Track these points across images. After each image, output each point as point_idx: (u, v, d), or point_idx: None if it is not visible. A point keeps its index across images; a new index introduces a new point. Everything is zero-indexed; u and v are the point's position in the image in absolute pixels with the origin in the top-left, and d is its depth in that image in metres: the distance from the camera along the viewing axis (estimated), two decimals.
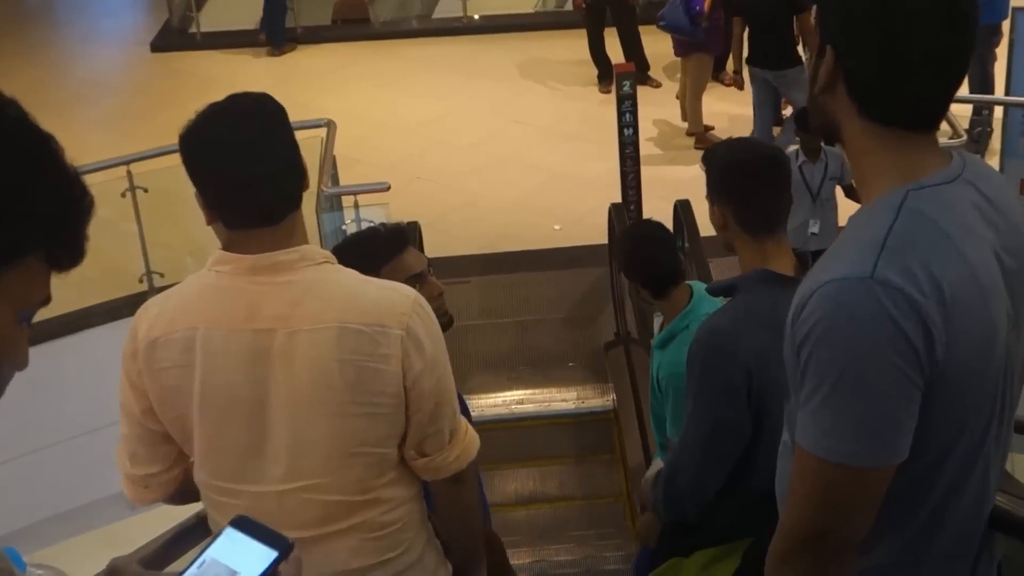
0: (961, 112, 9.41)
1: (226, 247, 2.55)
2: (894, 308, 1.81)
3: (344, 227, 8.65)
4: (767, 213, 3.25)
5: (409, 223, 8.42)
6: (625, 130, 9.35)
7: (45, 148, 1.29)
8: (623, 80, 9.31)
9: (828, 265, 1.92)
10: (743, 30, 9.94)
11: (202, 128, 2.51)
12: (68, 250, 1.33)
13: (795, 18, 9.63)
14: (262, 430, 2.61)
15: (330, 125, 9.03)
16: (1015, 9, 9.22)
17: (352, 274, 2.65)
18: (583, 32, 12.12)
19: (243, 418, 2.60)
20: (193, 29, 13.78)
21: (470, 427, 2.82)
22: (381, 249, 3.49)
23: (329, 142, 8.85)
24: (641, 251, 4.65)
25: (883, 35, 1.87)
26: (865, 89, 1.93)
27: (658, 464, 3.91)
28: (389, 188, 8.41)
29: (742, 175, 3.27)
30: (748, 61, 9.98)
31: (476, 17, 14.07)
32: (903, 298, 1.82)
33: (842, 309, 1.84)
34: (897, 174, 1.93)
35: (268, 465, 2.62)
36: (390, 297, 2.62)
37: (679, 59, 11.06)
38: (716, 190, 3.29)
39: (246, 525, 1.70)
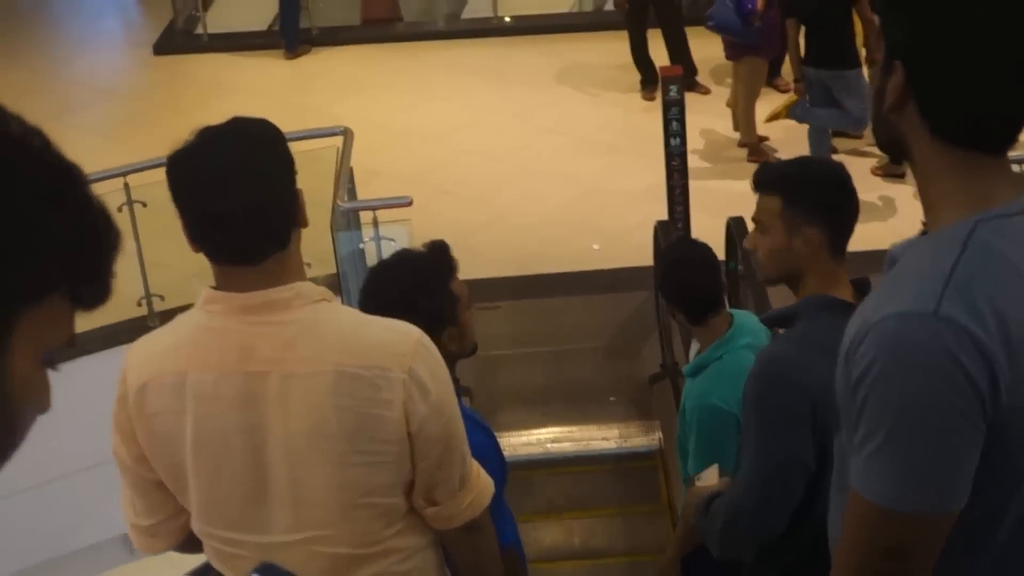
0: None
1: (216, 284, 2.59)
2: (958, 347, 1.80)
3: (362, 246, 8.46)
4: (849, 234, 3.29)
5: (434, 242, 8.26)
6: (672, 140, 9.09)
7: (69, 179, 1.27)
8: (670, 85, 9.05)
9: (888, 298, 1.91)
10: (798, 31, 9.71)
11: (185, 152, 2.52)
12: (93, 287, 1.33)
13: (852, 9, 9.43)
14: (262, 477, 2.60)
15: (347, 133, 8.86)
16: None
17: (351, 313, 2.72)
18: (624, 34, 11.86)
19: (240, 465, 2.60)
20: (199, 30, 13.60)
21: (482, 471, 2.81)
22: (434, 277, 3.51)
23: (345, 152, 8.69)
24: (679, 273, 4.62)
25: (959, 49, 1.84)
26: (938, 108, 1.89)
27: (710, 481, 3.87)
28: (412, 203, 8.23)
29: (842, 194, 3.26)
30: (804, 62, 9.77)
31: (507, 19, 13.87)
32: (968, 337, 1.80)
33: (903, 348, 1.84)
34: (967, 201, 1.90)
35: (272, 514, 2.62)
36: (390, 337, 2.60)
37: (730, 63, 10.80)
38: (810, 211, 3.23)
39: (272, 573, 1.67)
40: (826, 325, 2.98)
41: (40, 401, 1.36)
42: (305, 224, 2.61)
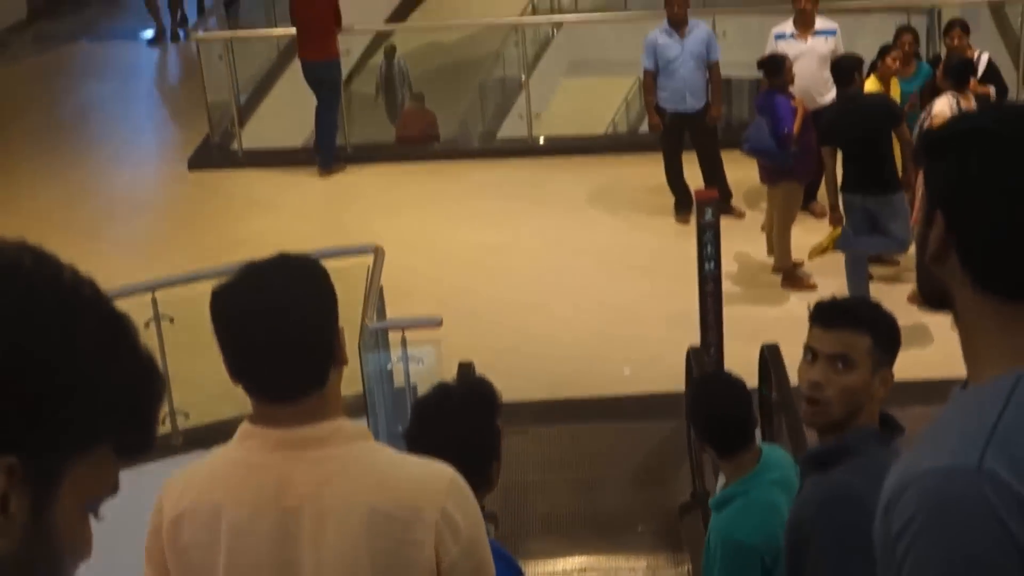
0: None
1: (254, 418, 2.61)
2: (1000, 504, 1.75)
3: (390, 366, 8.36)
4: None
5: (463, 364, 8.13)
6: (706, 264, 8.99)
7: (120, 330, 1.31)
8: (704, 208, 8.98)
9: (928, 451, 1.87)
10: (835, 159, 9.64)
11: (228, 287, 2.57)
12: (139, 437, 1.36)
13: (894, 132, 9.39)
14: None
15: (377, 252, 8.80)
16: None
17: (387, 452, 2.68)
18: (658, 156, 11.86)
19: None
20: (235, 146, 13.67)
21: None
22: (483, 418, 3.53)
23: (376, 270, 8.62)
24: (709, 407, 4.55)
25: (1005, 200, 1.83)
26: (982, 260, 1.87)
27: None
28: (441, 323, 8.15)
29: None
30: (843, 189, 9.69)
31: (542, 140, 13.90)
32: (1011, 495, 1.75)
33: (944, 504, 1.78)
34: (1011, 355, 1.86)
35: None
36: (424, 478, 2.62)
37: (765, 187, 10.74)
38: (893, 353, 3.48)
39: None
40: (883, 457, 3.00)
41: (83, 549, 1.37)
42: (345, 362, 2.63)
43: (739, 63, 12.43)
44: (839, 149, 9.59)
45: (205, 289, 8.63)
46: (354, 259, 8.80)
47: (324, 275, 2.64)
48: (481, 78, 22.01)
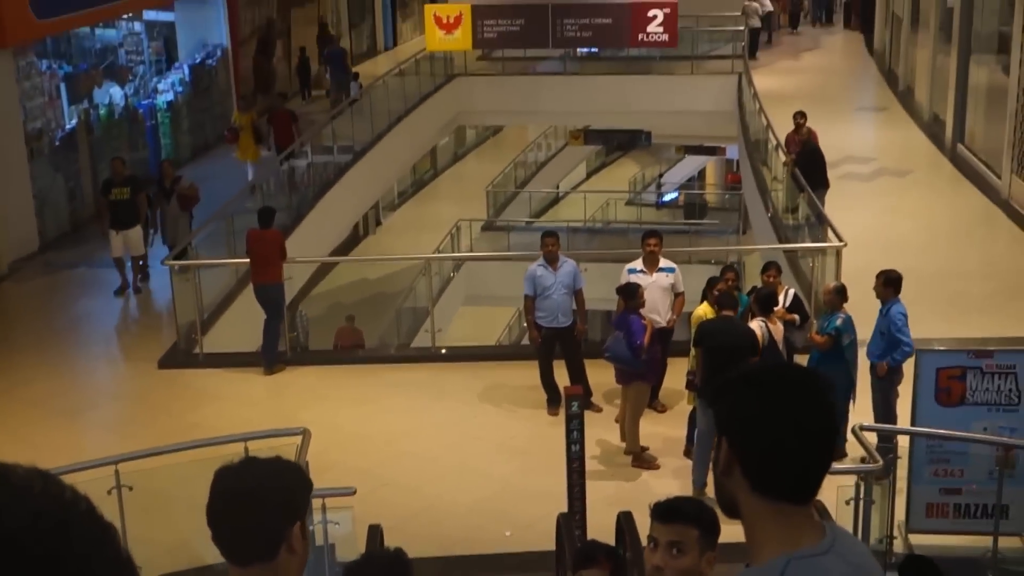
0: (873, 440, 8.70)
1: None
2: None
3: (311, 527, 7.72)
4: None
5: (372, 526, 7.61)
6: (572, 446, 8.56)
7: (107, 535, 1.25)
8: (572, 401, 8.59)
9: None
10: (700, 361, 9.31)
11: (220, 472, 2.45)
12: None
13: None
14: None
15: (304, 434, 8.29)
16: (918, 350, 8.70)
17: None
18: (534, 363, 11.47)
19: None
20: (197, 350, 13.06)
21: None
22: None
23: (303, 448, 8.11)
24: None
25: (764, 428, 1.93)
26: (754, 470, 1.95)
27: None
28: (355, 493, 7.64)
29: None
30: (702, 394, 9.38)
31: (443, 351, 13.51)
32: None
33: None
34: (783, 541, 1.94)
35: None
36: None
37: (620, 387, 10.38)
38: (714, 542, 3.54)
39: None
40: None
41: None
42: (296, 552, 2.38)
43: (593, 298, 12.19)
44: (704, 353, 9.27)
45: (161, 462, 7.95)
46: (286, 440, 8.28)
47: (295, 480, 2.47)
48: (398, 305, 21.87)
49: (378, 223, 28.28)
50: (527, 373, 11.72)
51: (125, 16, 20.98)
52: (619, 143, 29.55)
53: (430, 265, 15.22)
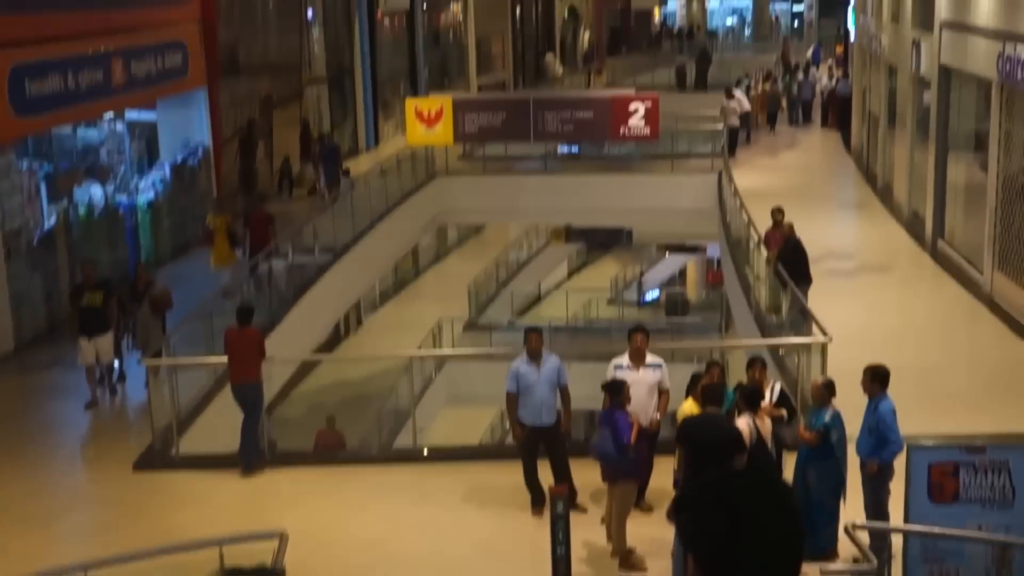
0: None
1: None
2: None
3: None
4: None
5: None
6: (558, 548, 8.37)
7: None
8: (557, 501, 8.41)
9: None
10: (683, 459, 9.09)
11: None
12: None
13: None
14: None
15: (281, 537, 8.03)
16: (910, 446, 8.56)
17: None
18: (517, 463, 11.23)
19: None
20: (173, 452, 12.79)
21: None
22: None
23: (280, 553, 7.84)
24: None
25: (729, 546, 1.96)
26: None
27: None
28: None
29: None
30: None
31: (425, 452, 13.28)
32: None
33: None
34: None
35: None
36: None
37: (606, 486, 10.16)
38: None
39: None
40: None
41: None
42: None
43: (577, 396, 11.98)
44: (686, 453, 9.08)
45: (134, 569, 7.66)
46: (264, 543, 8.02)
47: None
48: (379, 406, 21.60)
49: (359, 323, 28.12)
50: (510, 473, 11.49)
51: (107, 116, 21.07)
52: (601, 241, 29.63)
53: (412, 364, 15.08)
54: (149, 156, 22.58)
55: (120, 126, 21.89)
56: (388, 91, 34.73)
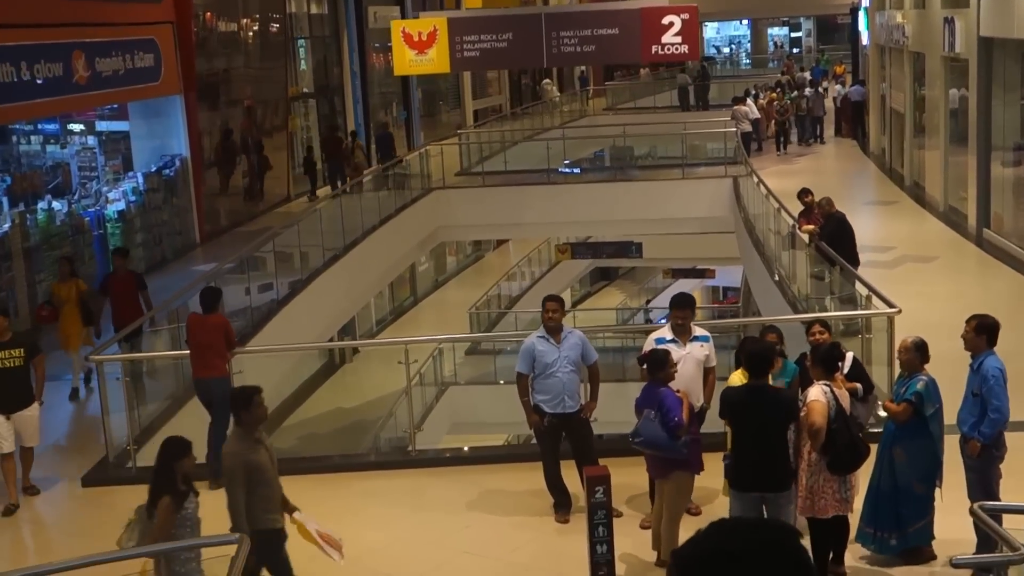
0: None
1: None
2: None
3: None
4: None
5: None
6: (598, 547, 6.49)
7: None
8: (596, 486, 6.52)
9: None
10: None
11: None
12: None
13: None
14: None
15: (241, 541, 6.20)
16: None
17: None
18: (536, 464, 9.38)
19: None
20: (129, 464, 10.88)
21: None
22: None
23: (239, 558, 6.02)
24: None
25: None
26: None
27: None
28: None
29: None
30: (733, 484, 7.39)
31: (423, 451, 11.40)
32: None
33: None
34: None
35: None
36: None
37: (647, 488, 8.35)
38: None
39: None
40: None
41: None
42: None
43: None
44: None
45: None
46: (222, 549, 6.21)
47: None
48: (375, 433, 20.02)
49: (355, 351, 26.50)
50: (526, 476, 9.64)
51: (77, 122, 19.47)
52: (608, 254, 27.84)
53: (411, 389, 13.19)
54: (124, 167, 20.90)
55: (92, 141, 20.41)
56: (381, 115, 33.21)
